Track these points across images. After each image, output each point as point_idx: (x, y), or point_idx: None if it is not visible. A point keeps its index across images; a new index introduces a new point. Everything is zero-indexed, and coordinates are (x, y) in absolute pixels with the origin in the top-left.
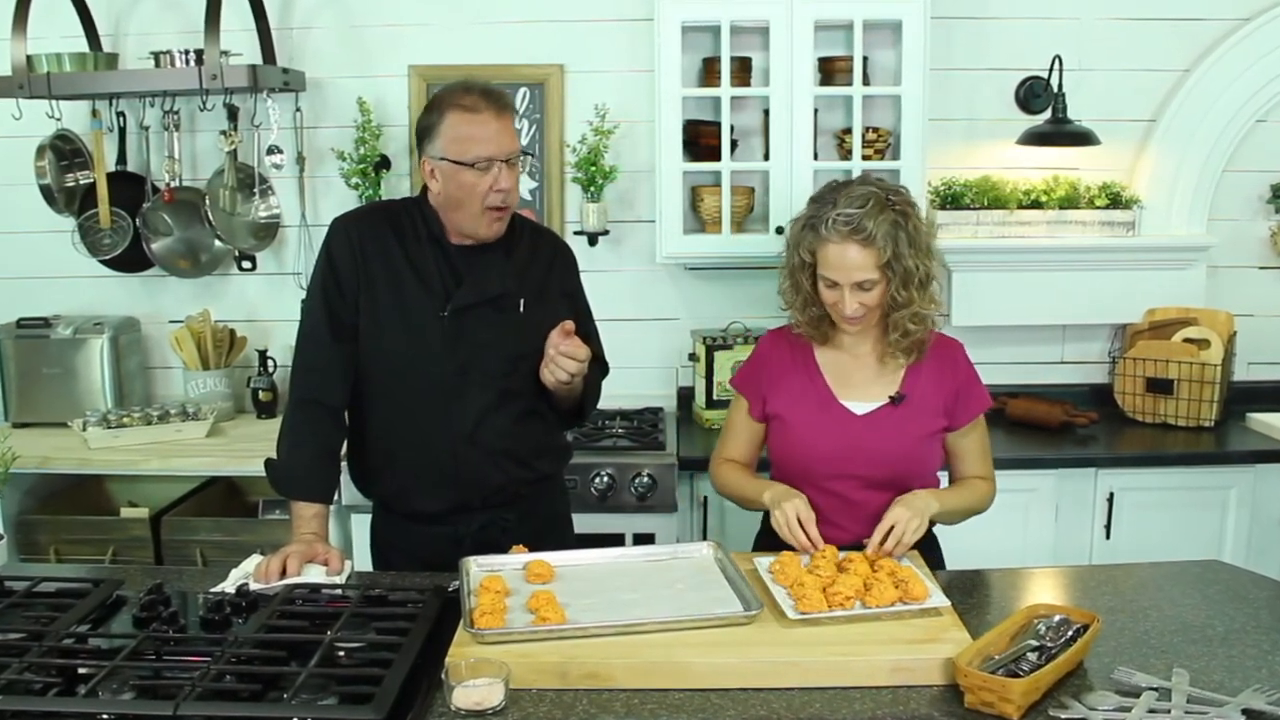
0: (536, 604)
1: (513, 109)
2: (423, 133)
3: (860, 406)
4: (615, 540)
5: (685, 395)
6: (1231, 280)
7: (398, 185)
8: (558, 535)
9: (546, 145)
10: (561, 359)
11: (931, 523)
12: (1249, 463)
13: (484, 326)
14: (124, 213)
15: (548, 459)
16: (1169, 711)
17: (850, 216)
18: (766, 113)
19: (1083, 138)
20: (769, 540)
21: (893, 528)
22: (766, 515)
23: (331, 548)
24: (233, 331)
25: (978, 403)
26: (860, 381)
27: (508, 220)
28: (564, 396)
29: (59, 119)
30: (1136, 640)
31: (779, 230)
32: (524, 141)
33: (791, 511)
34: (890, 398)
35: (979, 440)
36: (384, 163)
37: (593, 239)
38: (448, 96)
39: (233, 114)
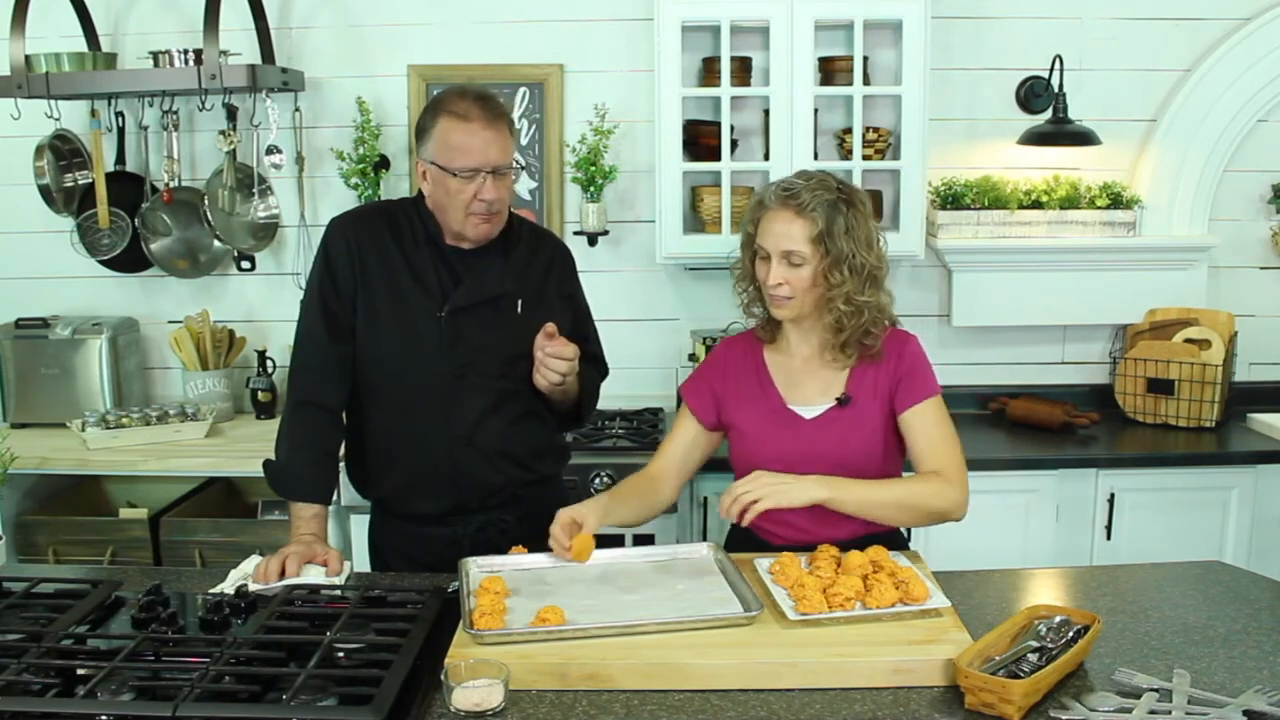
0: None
1: (508, 118)
2: (419, 133)
3: (809, 410)
4: (615, 540)
5: None
6: (1232, 281)
7: (397, 185)
8: None
9: (546, 145)
10: (551, 360)
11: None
12: (1250, 463)
13: (481, 328)
14: (123, 213)
15: (546, 460)
16: (1170, 713)
17: (790, 185)
18: (766, 113)
19: (1083, 138)
20: (736, 541)
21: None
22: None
23: (330, 549)
24: (231, 332)
25: (920, 389)
26: (807, 384)
27: (499, 224)
28: (560, 399)
29: (58, 119)
30: (1137, 641)
31: None
32: (524, 142)
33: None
34: (837, 399)
35: (929, 430)
36: (383, 163)
37: (592, 239)
38: (444, 100)
39: (232, 114)
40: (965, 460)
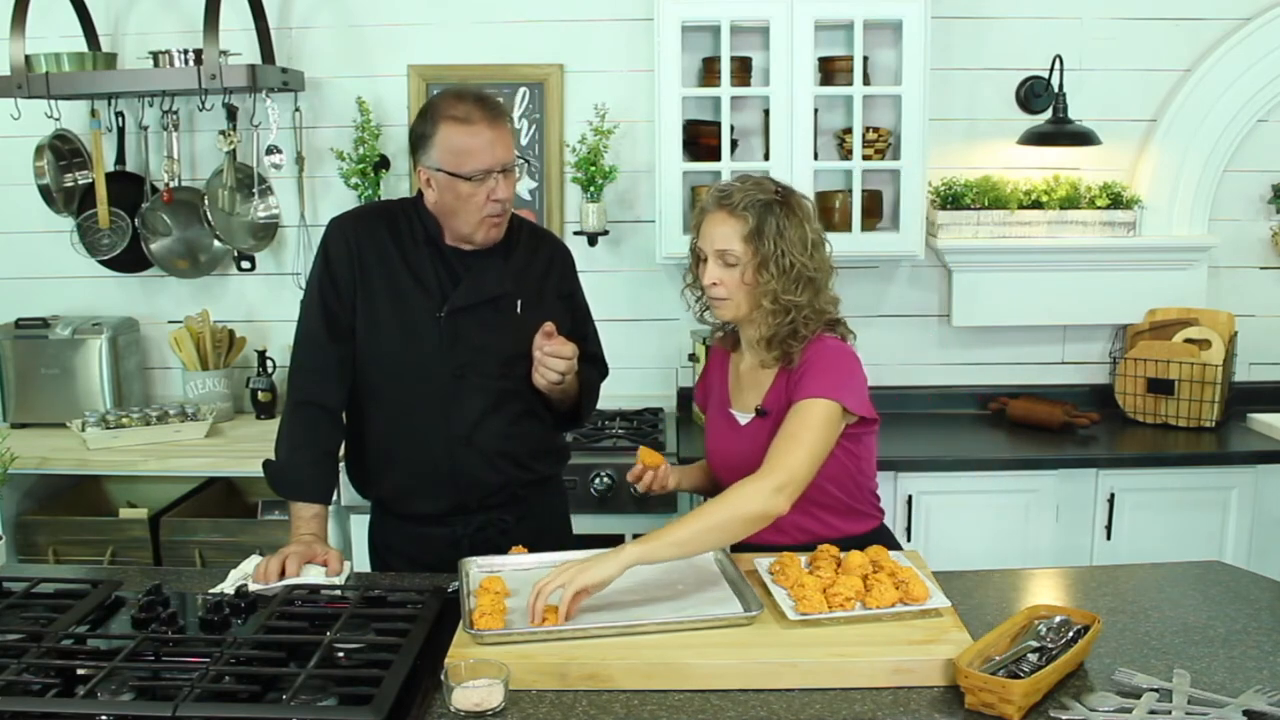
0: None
1: (508, 115)
2: (417, 141)
3: (743, 416)
4: (615, 541)
5: (685, 395)
6: (1232, 281)
7: (397, 185)
8: (556, 536)
9: (546, 145)
10: (549, 359)
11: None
12: (1250, 463)
13: (481, 328)
14: (123, 213)
15: (546, 460)
16: (1170, 713)
17: (725, 187)
18: (766, 113)
19: (1083, 138)
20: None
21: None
22: None
23: (330, 549)
24: (231, 332)
25: (803, 388)
26: (747, 390)
27: (505, 225)
28: (559, 399)
29: (58, 119)
30: (1137, 641)
31: None
32: (524, 142)
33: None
34: (756, 410)
35: (784, 428)
36: (383, 163)
37: (592, 239)
38: (441, 105)
39: (232, 114)
40: (807, 463)
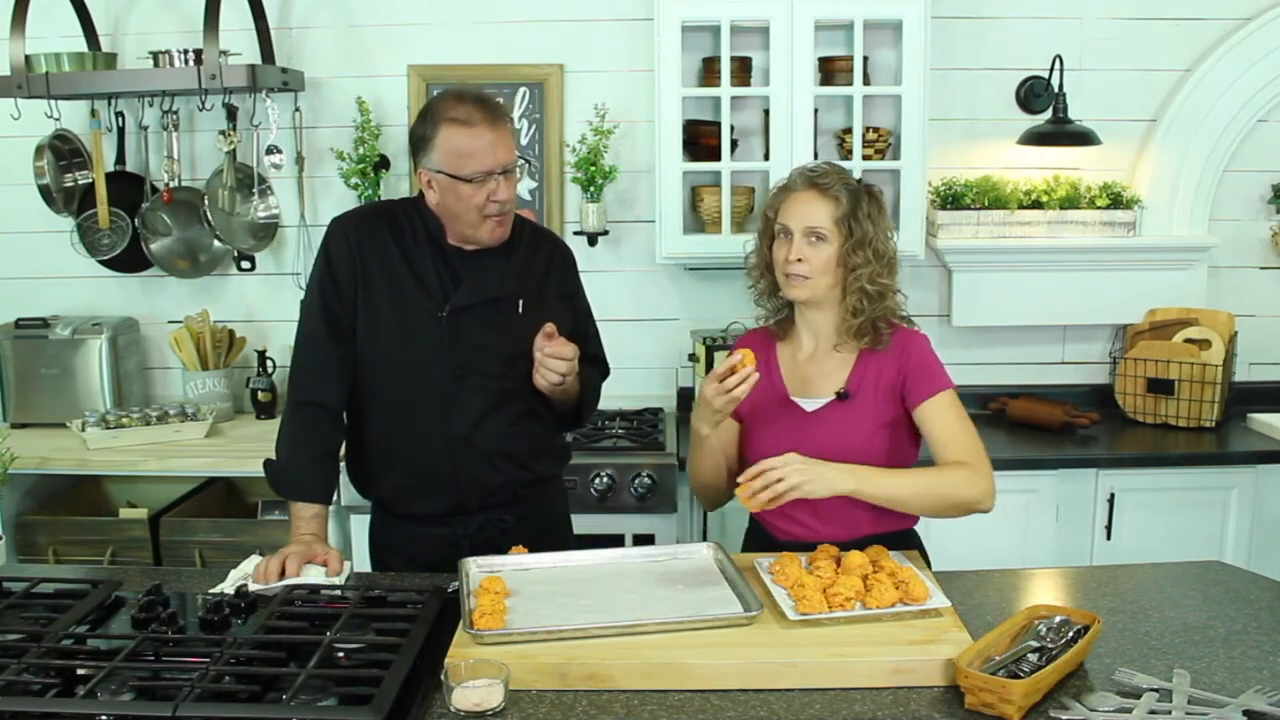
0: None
1: (508, 117)
2: (417, 143)
3: (810, 403)
4: (615, 541)
5: (685, 395)
6: (1232, 281)
7: (397, 185)
8: (557, 536)
9: (546, 145)
10: (550, 360)
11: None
12: (1250, 463)
13: (482, 328)
14: (123, 213)
15: (546, 460)
16: (1170, 713)
17: (816, 168)
18: (766, 113)
19: (1083, 138)
20: (756, 540)
21: (764, 473)
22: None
23: (330, 549)
24: (231, 332)
25: (930, 383)
26: (811, 377)
27: (509, 224)
28: (560, 400)
29: (58, 119)
30: (1137, 641)
31: None
32: (524, 142)
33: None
34: (836, 393)
35: (947, 422)
36: (383, 163)
37: (592, 239)
38: (441, 107)
39: (232, 114)
40: (986, 451)
